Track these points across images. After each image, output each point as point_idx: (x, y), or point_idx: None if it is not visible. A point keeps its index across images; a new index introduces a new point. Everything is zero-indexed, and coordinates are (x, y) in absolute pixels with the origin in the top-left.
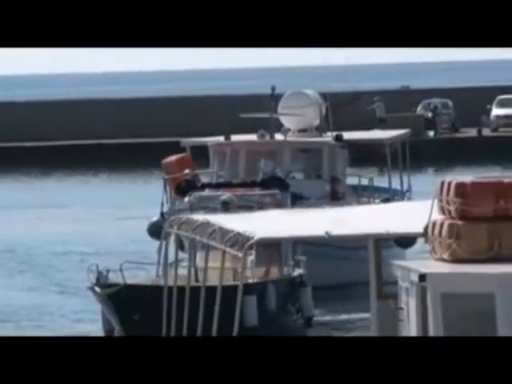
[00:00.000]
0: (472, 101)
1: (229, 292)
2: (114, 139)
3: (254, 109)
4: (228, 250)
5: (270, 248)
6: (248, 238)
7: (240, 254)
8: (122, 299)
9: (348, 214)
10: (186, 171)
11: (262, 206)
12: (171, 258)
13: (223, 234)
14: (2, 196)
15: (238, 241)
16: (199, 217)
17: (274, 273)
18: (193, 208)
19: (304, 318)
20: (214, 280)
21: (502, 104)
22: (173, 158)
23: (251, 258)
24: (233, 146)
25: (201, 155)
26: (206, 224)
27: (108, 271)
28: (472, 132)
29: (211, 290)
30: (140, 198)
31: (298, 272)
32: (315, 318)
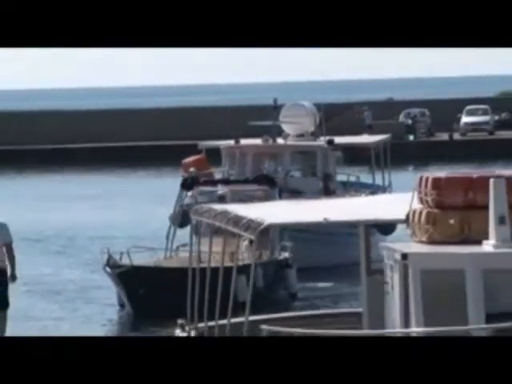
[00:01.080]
0: (445, 110)
1: (225, 272)
2: (144, 142)
3: (259, 117)
4: (242, 233)
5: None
6: (259, 224)
7: (253, 237)
8: (128, 278)
9: (340, 205)
10: (191, 169)
11: (252, 200)
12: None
13: (238, 220)
14: (59, 188)
15: (251, 226)
16: (219, 206)
17: (265, 256)
18: (196, 201)
19: (289, 294)
20: (215, 262)
21: (470, 113)
22: (191, 158)
23: (245, 243)
24: (241, 148)
25: (214, 156)
26: (224, 212)
27: (122, 253)
28: (445, 136)
29: (212, 271)
30: (163, 191)
31: (284, 255)
32: (303, 294)
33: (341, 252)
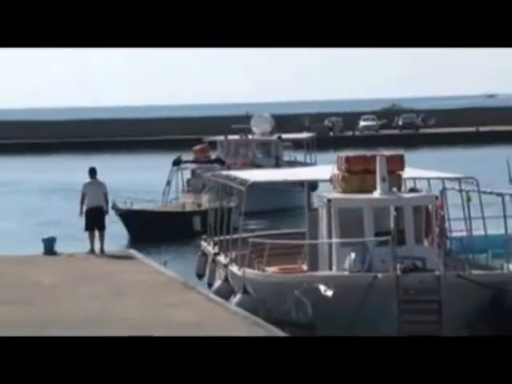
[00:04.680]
0: (350, 119)
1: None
2: (174, 136)
3: (238, 123)
4: (237, 186)
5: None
6: (247, 181)
7: (243, 188)
8: (124, 217)
9: (290, 172)
10: (179, 154)
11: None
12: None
13: (236, 178)
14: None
15: (243, 182)
16: (224, 171)
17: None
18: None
19: (233, 228)
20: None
21: (364, 120)
22: (198, 146)
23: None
24: (228, 141)
25: (213, 146)
26: (229, 174)
27: (128, 202)
28: (350, 133)
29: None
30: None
31: (232, 203)
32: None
33: (285, 200)
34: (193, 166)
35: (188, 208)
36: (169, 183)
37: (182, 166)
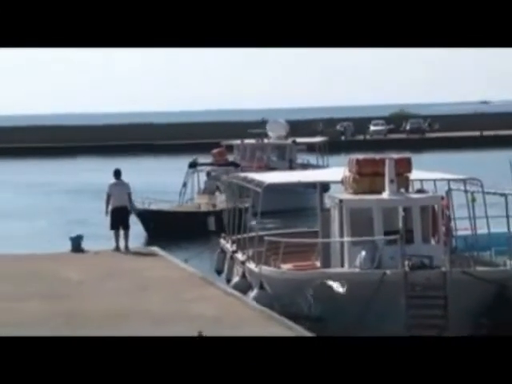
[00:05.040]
0: (361, 123)
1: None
2: (195, 140)
3: (255, 128)
4: (253, 188)
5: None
6: (264, 183)
7: (259, 190)
8: (143, 217)
9: (303, 174)
10: (195, 157)
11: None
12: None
13: (252, 180)
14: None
15: (259, 184)
16: (245, 174)
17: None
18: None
19: (248, 228)
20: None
21: (374, 125)
22: (216, 150)
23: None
24: (244, 145)
25: (230, 149)
26: (246, 176)
27: (146, 202)
28: (361, 137)
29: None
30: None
31: (246, 204)
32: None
33: (298, 201)
34: (208, 168)
35: (203, 208)
36: (185, 185)
37: (198, 168)
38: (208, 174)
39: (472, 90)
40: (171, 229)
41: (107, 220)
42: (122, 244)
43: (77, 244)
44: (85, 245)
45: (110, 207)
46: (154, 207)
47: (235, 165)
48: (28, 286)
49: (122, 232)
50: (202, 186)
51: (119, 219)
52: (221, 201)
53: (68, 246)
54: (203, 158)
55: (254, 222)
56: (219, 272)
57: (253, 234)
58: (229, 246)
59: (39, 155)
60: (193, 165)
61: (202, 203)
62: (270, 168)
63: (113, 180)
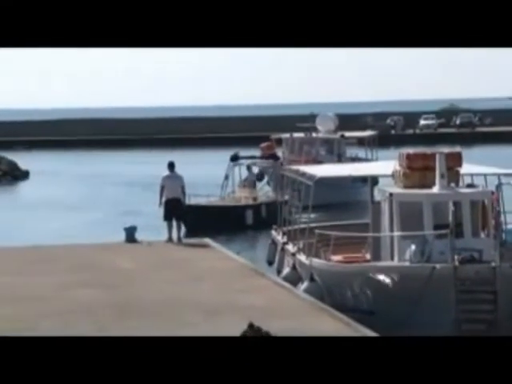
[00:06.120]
0: (411, 118)
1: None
2: (244, 133)
3: (304, 121)
4: (305, 181)
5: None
6: (315, 176)
7: (311, 183)
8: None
9: (353, 167)
10: (237, 150)
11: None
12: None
13: (304, 173)
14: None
15: (311, 177)
16: (293, 166)
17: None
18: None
19: (287, 221)
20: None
21: (424, 119)
22: (264, 143)
23: (262, 190)
24: (293, 138)
25: (279, 143)
26: (298, 169)
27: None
28: (411, 131)
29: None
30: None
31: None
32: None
33: (346, 194)
34: (248, 161)
35: (241, 202)
36: (226, 178)
37: (239, 161)
38: (248, 167)
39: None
40: (208, 223)
41: (160, 211)
42: (174, 235)
43: (131, 234)
44: (138, 235)
45: (164, 199)
46: (192, 202)
47: (275, 158)
48: (82, 275)
49: (174, 223)
50: (243, 178)
51: (172, 211)
52: (262, 194)
53: (122, 236)
54: (251, 152)
55: (301, 215)
56: (270, 263)
57: (304, 225)
58: (280, 238)
59: (96, 147)
60: (234, 158)
61: (242, 196)
62: (318, 162)
63: (167, 172)
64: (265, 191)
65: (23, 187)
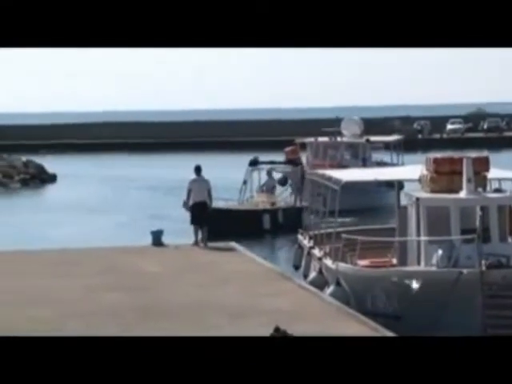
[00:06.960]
0: (438, 122)
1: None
2: (268, 138)
3: (328, 126)
4: (331, 185)
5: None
6: (341, 180)
7: (337, 187)
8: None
9: (379, 171)
10: (255, 155)
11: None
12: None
13: (330, 178)
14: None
15: (337, 181)
16: (324, 171)
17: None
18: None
19: (303, 226)
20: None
21: (451, 123)
22: (289, 148)
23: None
24: (317, 143)
25: (303, 147)
26: (323, 173)
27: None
28: (438, 136)
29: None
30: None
31: (302, 204)
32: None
33: (372, 199)
34: (267, 166)
35: (259, 207)
36: (245, 182)
37: (259, 166)
38: (268, 172)
39: None
40: (225, 227)
41: (186, 214)
42: (201, 238)
43: (157, 238)
44: (165, 239)
45: (191, 202)
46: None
47: (295, 163)
48: (109, 277)
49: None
50: (262, 183)
51: (199, 214)
52: (281, 199)
53: (149, 239)
54: (274, 156)
55: (328, 220)
56: (297, 267)
57: (330, 230)
58: (306, 242)
59: (124, 150)
60: (253, 163)
61: (260, 201)
62: (342, 166)
63: (193, 176)
64: (284, 196)
65: (51, 190)
